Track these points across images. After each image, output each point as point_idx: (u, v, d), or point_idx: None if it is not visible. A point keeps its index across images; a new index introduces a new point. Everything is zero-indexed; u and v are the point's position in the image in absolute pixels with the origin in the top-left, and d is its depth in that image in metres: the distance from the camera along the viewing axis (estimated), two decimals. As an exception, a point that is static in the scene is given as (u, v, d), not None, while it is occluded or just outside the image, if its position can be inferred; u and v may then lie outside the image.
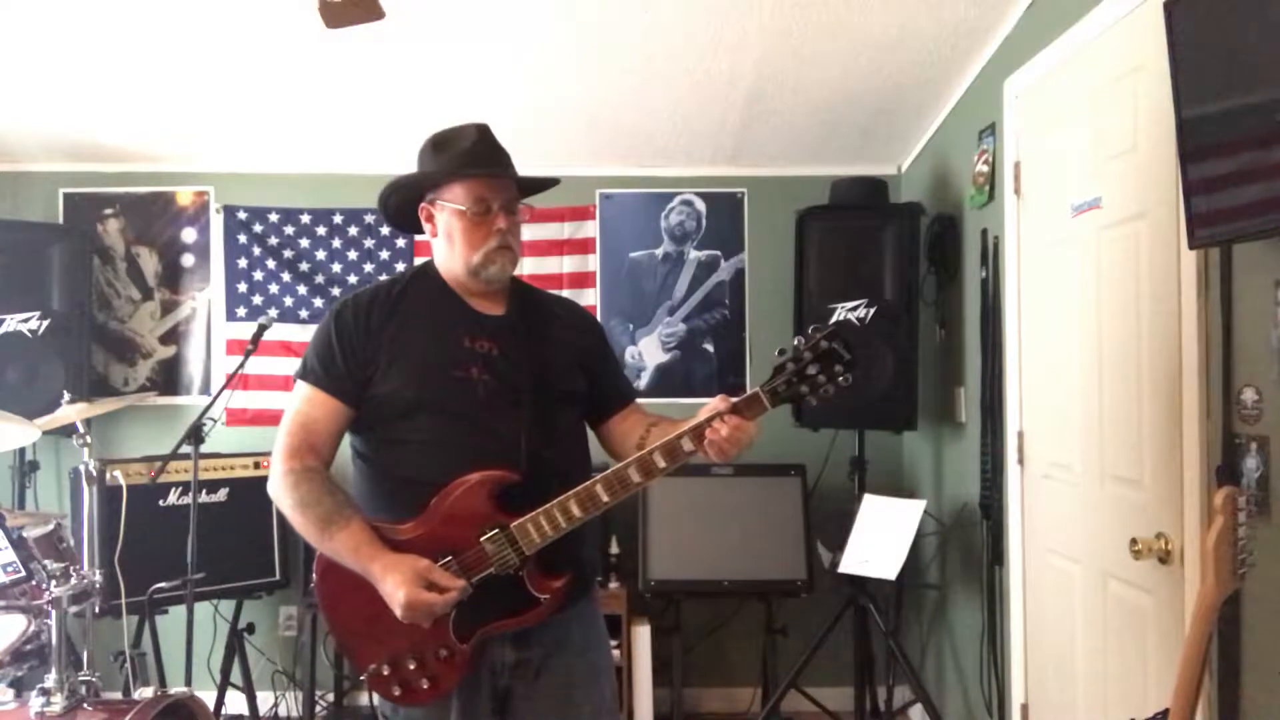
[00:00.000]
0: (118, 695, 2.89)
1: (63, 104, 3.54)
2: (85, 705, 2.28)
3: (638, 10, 2.93)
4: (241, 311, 4.09)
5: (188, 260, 4.12)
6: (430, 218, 1.88)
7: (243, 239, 4.09)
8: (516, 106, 3.48)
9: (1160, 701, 1.69)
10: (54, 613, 2.36)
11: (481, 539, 1.71)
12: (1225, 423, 1.90)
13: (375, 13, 2.41)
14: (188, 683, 3.07)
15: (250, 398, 3.97)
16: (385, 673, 1.76)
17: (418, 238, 4.05)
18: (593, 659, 1.89)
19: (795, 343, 1.69)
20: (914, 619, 3.91)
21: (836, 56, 3.17)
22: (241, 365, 3.32)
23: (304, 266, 4.10)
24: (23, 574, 2.49)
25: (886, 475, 3.92)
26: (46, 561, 2.62)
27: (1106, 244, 2.36)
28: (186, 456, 3.19)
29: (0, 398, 3.33)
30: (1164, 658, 2.09)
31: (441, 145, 1.86)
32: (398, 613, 1.66)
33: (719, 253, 4.15)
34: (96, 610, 2.63)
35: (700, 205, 4.15)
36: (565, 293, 3.66)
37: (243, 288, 4.10)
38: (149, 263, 4.11)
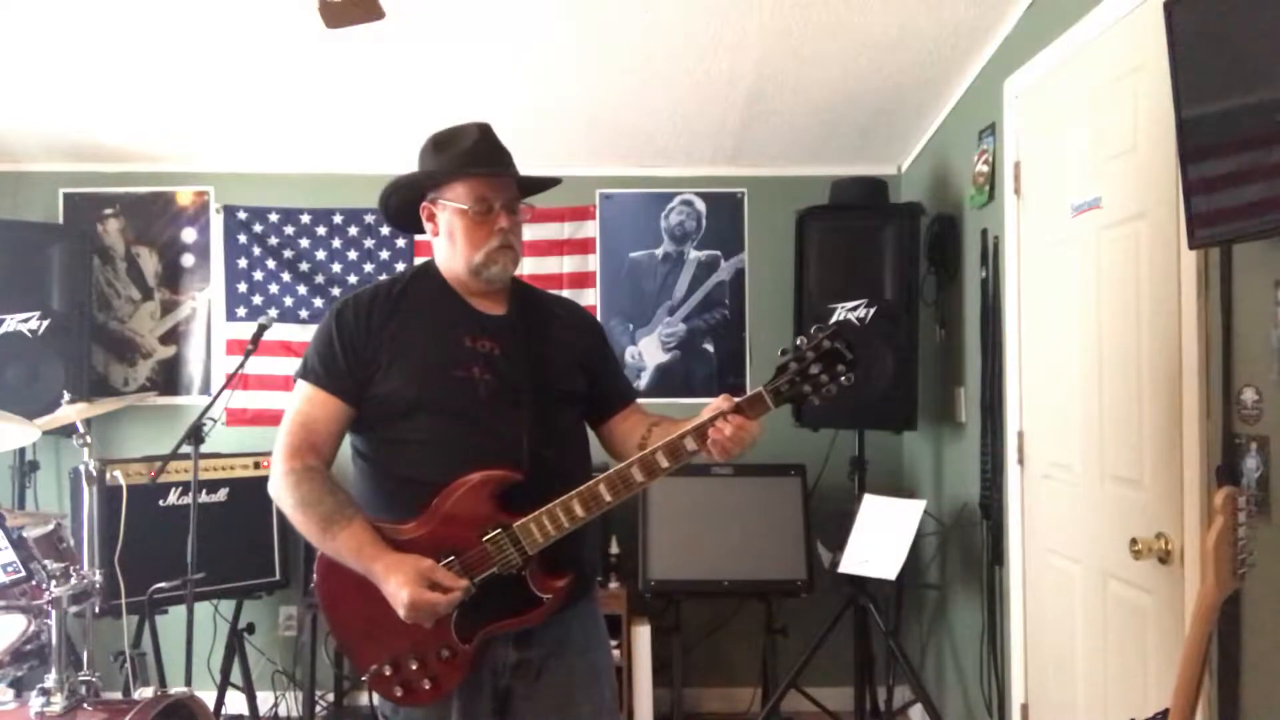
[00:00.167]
0: (118, 695, 2.89)
1: (63, 104, 3.54)
2: (85, 705, 2.28)
3: (638, 10, 2.93)
4: (241, 311, 4.09)
5: (188, 260, 4.12)
6: (431, 217, 1.88)
7: (243, 239, 4.09)
8: (516, 106, 3.48)
9: (1160, 701, 1.69)
10: (54, 613, 2.37)
11: (484, 539, 1.71)
12: (1225, 423, 1.90)
13: (375, 13, 2.41)
14: (188, 683, 3.07)
15: (250, 398, 3.97)
16: (387, 673, 1.75)
17: (418, 238, 4.04)
18: (593, 659, 1.89)
19: (798, 342, 1.69)
20: (914, 619, 3.91)
21: (836, 56, 3.17)
22: (241, 365, 3.32)
23: (304, 266, 4.10)
24: (23, 574, 2.49)
25: (886, 475, 3.92)
26: (46, 561, 2.62)
27: (1106, 244, 2.36)
28: (186, 456, 3.19)
29: (0, 398, 3.33)
30: (1164, 658, 2.09)
31: (443, 144, 1.85)
32: (401, 613, 1.65)
33: (719, 253, 4.15)
34: (96, 610, 2.63)
35: (700, 205, 4.15)
36: (565, 293, 3.66)
37: (243, 288, 4.10)
38: (149, 263, 4.11)
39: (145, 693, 2.37)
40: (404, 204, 1.90)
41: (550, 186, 1.96)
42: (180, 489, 3.48)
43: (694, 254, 4.15)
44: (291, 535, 3.71)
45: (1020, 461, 2.86)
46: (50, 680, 2.28)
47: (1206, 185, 1.75)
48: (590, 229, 4.15)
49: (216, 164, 4.06)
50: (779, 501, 3.68)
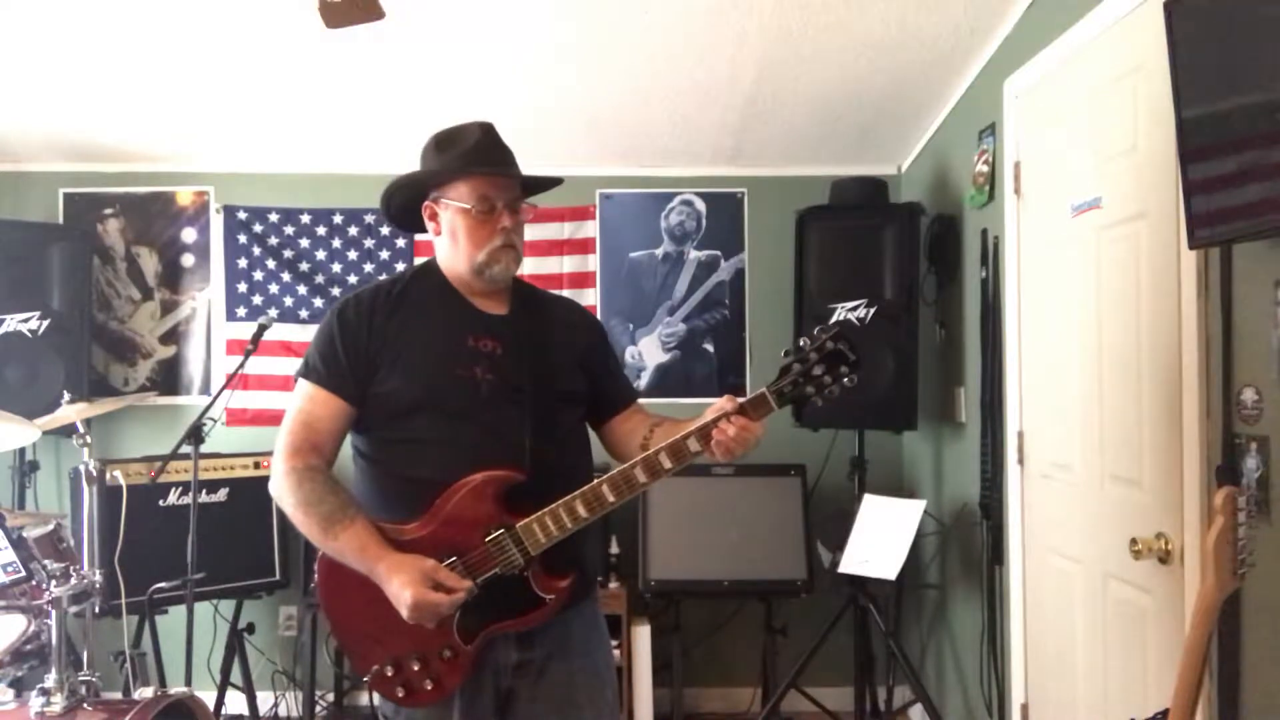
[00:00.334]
0: (118, 695, 2.89)
1: (63, 104, 3.54)
2: (85, 705, 2.29)
3: (638, 10, 2.93)
4: (241, 311, 4.09)
5: (188, 260, 4.12)
6: (434, 216, 1.87)
7: (243, 239, 4.09)
8: (517, 106, 3.48)
9: (1160, 701, 1.69)
10: (54, 613, 2.37)
11: (486, 539, 1.71)
12: (1225, 423, 1.90)
13: (375, 13, 2.41)
14: (188, 683, 3.06)
15: (250, 398, 3.97)
16: (389, 674, 1.75)
17: (418, 237, 4.05)
18: (595, 660, 1.89)
19: (800, 343, 1.69)
20: (914, 619, 3.91)
21: (836, 56, 3.17)
22: (241, 365, 3.32)
23: (304, 266, 4.10)
24: (23, 574, 2.49)
25: (886, 475, 3.92)
26: (46, 561, 2.62)
27: (1106, 244, 2.36)
28: (186, 456, 3.18)
29: (0, 398, 3.33)
30: (1164, 658, 2.09)
31: (445, 143, 1.85)
32: (404, 614, 1.65)
33: (719, 253, 4.15)
34: (96, 610, 2.63)
35: (700, 205, 4.15)
36: (565, 293, 3.65)
37: (243, 288, 4.10)
38: (149, 263, 4.11)
39: (145, 693, 2.38)
40: (406, 203, 1.90)
41: (553, 186, 1.96)
42: (180, 489, 3.48)
43: (694, 254, 4.15)
44: (291, 535, 3.71)
45: (1020, 461, 2.86)
46: (50, 680, 2.28)
47: (1206, 185, 1.75)
48: (590, 229, 4.15)
49: (216, 164, 4.06)
50: (779, 501, 3.68)
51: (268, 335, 3.39)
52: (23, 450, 3.80)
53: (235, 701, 3.58)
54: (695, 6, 2.90)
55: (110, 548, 3.13)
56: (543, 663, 1.82)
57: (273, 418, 3.96)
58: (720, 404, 1.69)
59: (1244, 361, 1.86)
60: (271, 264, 4.09)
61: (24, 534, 2.73)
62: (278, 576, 3.71)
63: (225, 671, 3.54)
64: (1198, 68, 1.75)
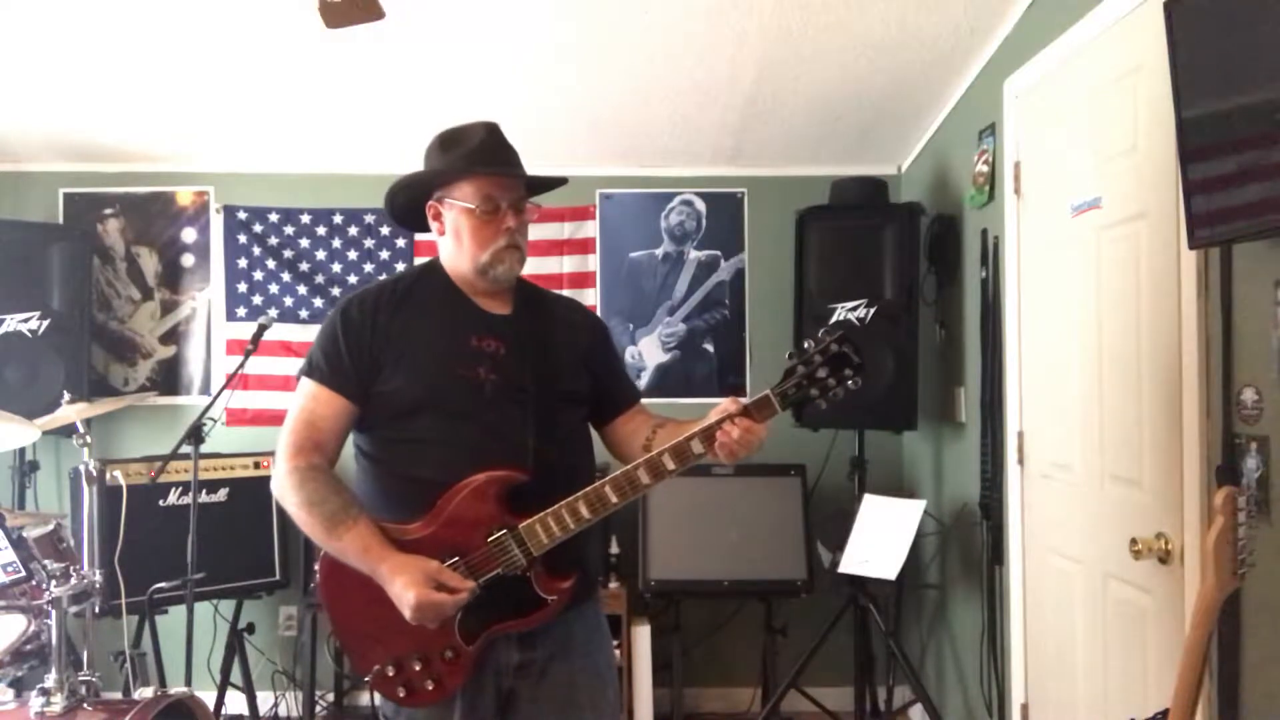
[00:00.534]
0: (118, 695, 2.89)
1: (63, 104, 3.54)
2: (85, 705, 2.29)
3: (638, 10, 2.93)
4: (241, 311, 4.09)
5: (188, 260, 4.12)
6: (438, 216, 1.87)
7: (243, 239, 4.09)
8: (517, 106, 3.48)
9: (1160, 701, 1.69)
10: (54, 613, 2.37)
11: (489, 540, 1.70)
12: (1225, 423, 1.90)
13: (375, 13, 2.41)
14: (188, 683, 3.06)
15: (250, 398, 3.97)
16: (390, 674, 1.75)
17: (419, 237, 4.06)
18: (596, 661, 1.89)
19: (805, 345, 1.69)
20: (914, 619, 3.91)
21: (836, 56, 3.17)
22: (241, 365, 3.32)
23: (304, 266, 4.10)
24: (23, 574, 2.49)
25: (886, 475, 3.92)
26: (46, 561, 2.62)
27: (1106, 244, 2.36)
28: (186, 456, 3.18)
29: (0, 398, 3.33)
30: (1164, 658, 2.09)
31: (450, 143, 1.84)
32: (406, 614, 1.65)
33: (719, 253, 4.15)
34: (96, 610, 2.63)
35: (700, 205, 4.15)
36: (566, 292, 3.65)
37: (243, 288, 4.10)
38: (149, 263, 4.11)
39: (145, 693, 2.38)
40: (410, 202, 1.89)
41: (557, 186, 1.96)
42: (180, 489, 3.49)
43: (694, 254, 4.15)
44: (291, 535, 3.71)
45: (1020, 461, 2.86)
46: (50, 680, 2.28)
47: (1206, 185, 1.75)
48: (590, 229, 4.15)
49: (216, 164, 4.06)
50: (779, 501, 3.68)
51: (268, 335, 3.39)
52: (23, 450, 3.80)
53: (235, 701, 3.58)
54: (695, 6, 2.90)
55: (110, 548, 3.14)
56: (544, 663, 1.82)
57: (273, 418, 3.96)
58: (724, 405, 1.69)
59: (1244, 361, 1.87)
60: (271, 264, 4.09)
61: (24, 534, 2.73)
62: (278, 576, 3.71)
63: (225, 671, 3.54)
64: (1198, 68, 1.75)
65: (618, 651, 3.34)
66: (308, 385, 1.81)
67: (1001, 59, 3.02)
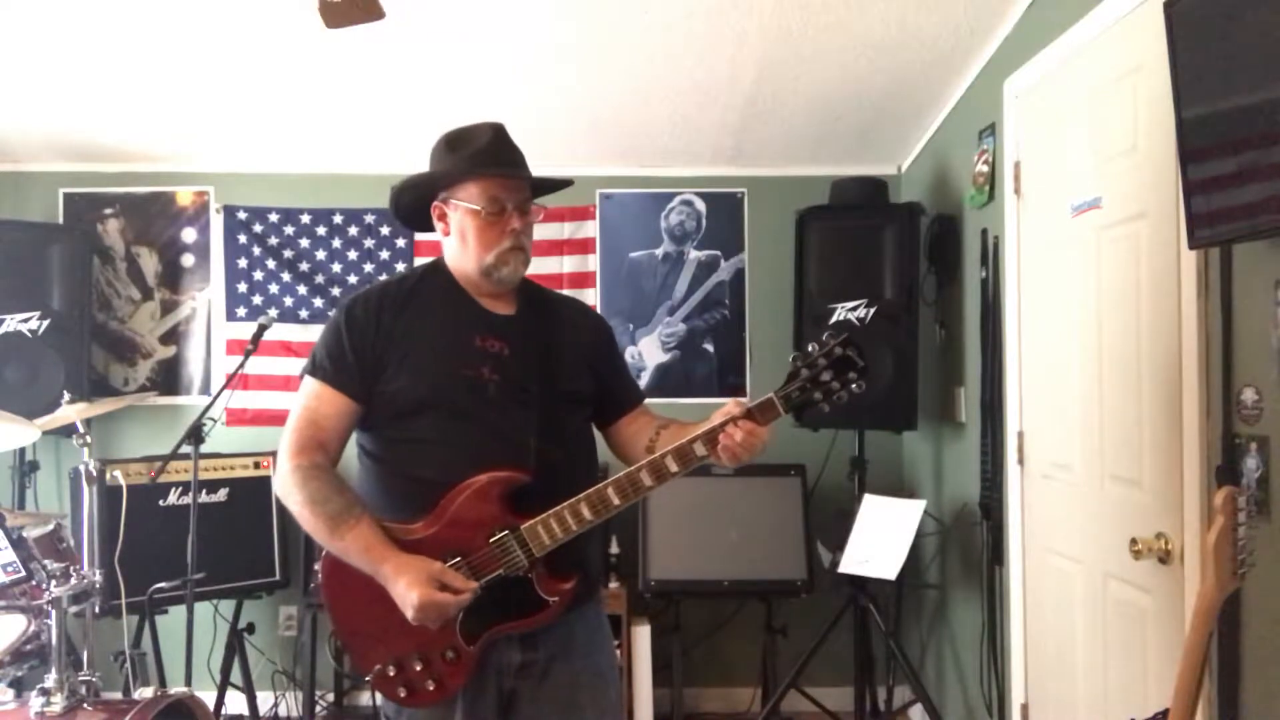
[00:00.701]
0: (118, 695, 2.89)
1: (63, 104, 3.54)
2: (85, 705, 2.29)
3: (638, 10, 2.93)
4: (241, 311, 4.09)
5: (188, 260, 4.12)
6: (443, 216, 1.87)
7: (243, 239, 4.09)
8: (517, 106, 3.48)
9: (1160, 701, 1.69)
10: (54, 613, 2.37)
11: (491, 540, 1.70)
12: (1225, 423, 1.90)
13: (375, 13, 2.41)
14: (188, 683, 3.06)
15: (250, 398, 3.97)
16: (391, 673, 1.75)
17: (419, 237, 4.06)
18: (597, 661, 1.89)
19: (809, 348, 1.68)
20: (914, 619, 3.91)
21: (836, 56, 3.17)
22: (241, 365, 3.32)
23: (304, 266, 4.10)
24: (23, 574, 2.49)
25: (886, 475, 3.92)
26: (46, 561, 2.63)
27: (1106, 244, 2.36)
28: (186, 456, 3.18)
29: (0, 398, 3.33)
30: (1164, 658, 2.09)
31: (455, 144, 1.84)
32: (409, 614, 1.65)
33: (719, 253, 4.15)
34: (96, 610, 2.63)
35: (700, 205, 4.15)
36: (566, 293, 3.66)
37: (243, 288, 4.10)
38: (149, 263, 4.11)
39: (145, 693, 2.38)
40: (415, 203, 1.89)
41: (563, 187, 1.96)
42: (180, 489, 3.49)
43: (694, 254, 4.15)
44: (291, 535, 3.71)
45: (1020, 461, 2.86)
46: (50, 680, 2.28)
47: (1206, 185, 1.75)
48: (590, 229, 4.15)
49: (216, 164, 4.06)
50: (779, 501, 3.68)
51: (268, 335, 3.39)
52: (23, 450, 3.80)
53: (235, 701, 3.58)
54: (695, 6, 2.90)
55: (110, 548, 3.14)
56: (546, 664, 1.81)
57: (273, 418, 3.97)
58: (727, 408, 1.69)
59: (1244, 361, 1.86)
60: (271, 264, 4.09)
61: (24, 534, 2.73)
62: (278, 576, 3.71)
63: (225, 671, 3.54)
64: (1198, 68, 1.75)
65: (618, 651, 3.34)
66: (311, 384, 1.81)
67: (1001, 59, 3.02)
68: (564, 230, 4.12)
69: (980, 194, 3.12)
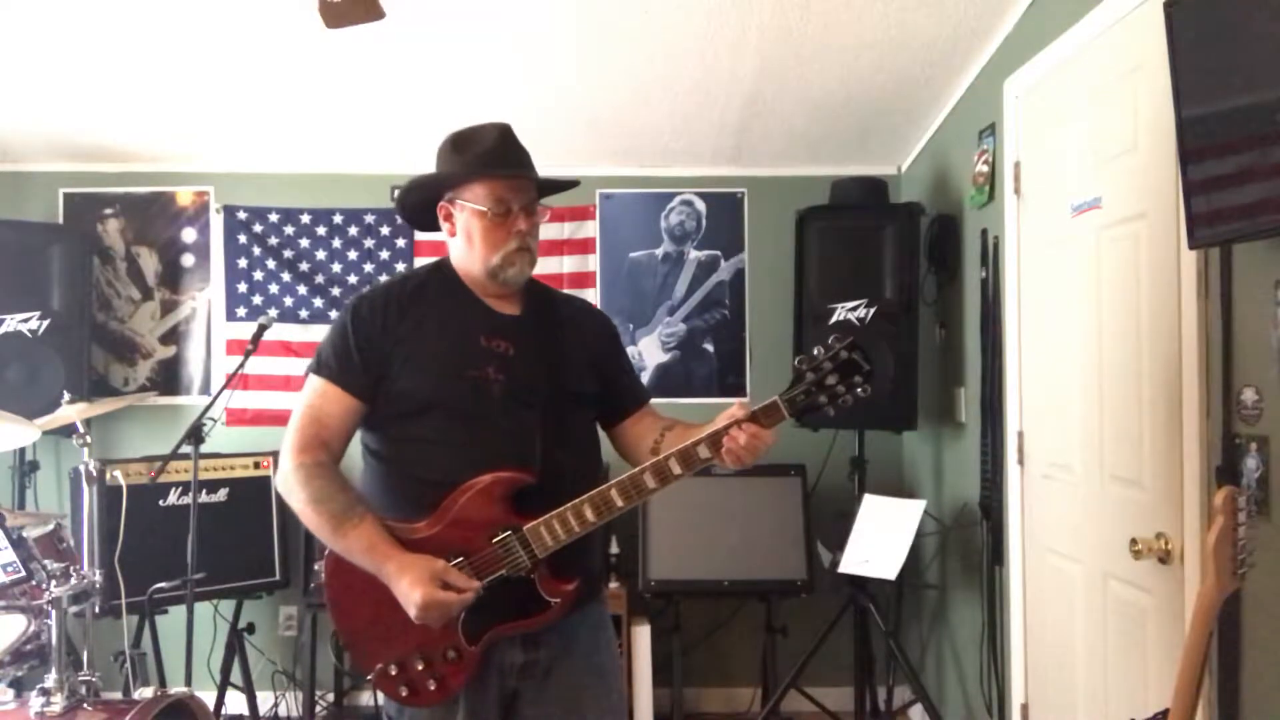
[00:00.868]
0: (118, 695, 2.89)
1: (63, 104, 3.54)
2: (85, 705, 2.29)
3: (637, 10, 2.93)
4: (241, 311, 4.09)
5: (188, 260, 4.12)
6: (449, 216, 1.87)
7: (243, 239, 4.09)
8: (516, 106, 3.48)
9: (1160, 701, 1.69)
10: (54, 613, 2.37)
11: (494, 541, 1.70)
12: (1225, 423, 1.90)
13: (375, 13, 2.41)
14: (188, 683, 3.07)
15: (250, 398, 3.97)
16: (392, 673, 1.75)
17: (419, 237, 4.06)
18: (600, 662, 1.89)
19: (814, 351, 1.68)
20: (914, 619, 3.91)
21: (836, 56, 3.17)
22: (241, 365, 3.32)
23: (304, 266, 4.10)
24: (23, 574, 2.49)
25: (886, 475, 3.92)
26: (46, 561, 2.63)
27: (1106, 244, 2.36)
28: (186, 456, 3.18)
29: (0, 398, 3.33)
30: (1164, 658, 2.09)
31: (462, 144, 1.84)
32: (412, 613, 1.65)
33: (719, 253, 4.15)
34: (96, 610, 2.63)
35: (700, 205, 4.15)
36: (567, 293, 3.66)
37: (243, 288, 4.10)
38: (149, 263, 4.11)
39: (145, 693, 2.38)
40: (422, 203, 1.89)
41: (569, 188, 1.96)
42: (180, 489, 3.49)
43: (694, 254, 4.15)
44: (292, 535, 3.72)
45: (1020, 461, 2.86)
46: (50, 680, 2.28)
47: (1206, 185, 1.75)
48: (590, 229, 4.15)
49: (216, 164, 4.06)
50: (779, 501, 3.68)
51: (268, 335, 3.39)
52: (23, 450, 3.80)
53: (235, 701, 3.58)
54: (695, 6, 2.90)
55: (110, 548, 3.14)
56: (548, 664, 1.81)
57: (273, 418, 3.97)
58: (731, 411, 1.69)
59: (1244, 361, 1.87)
60: (271, 264, 4.09)
61: (24, 534, 2.73)
62: (278, 576, 3.71)
63: (225, 671, 3.54)
64: (1198, 68, 1.75)
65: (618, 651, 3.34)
66: (316, 382, 1.81)
67: (1001, 59, 3.02)
68: (564, 230, 4.12)
69: (980, 194, 3.12)
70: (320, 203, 4.10)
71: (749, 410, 1.68)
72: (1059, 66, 2.60)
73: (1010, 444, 2.91)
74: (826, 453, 3.75)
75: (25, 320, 3.65)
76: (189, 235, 4.11)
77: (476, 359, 1.78)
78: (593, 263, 4.15)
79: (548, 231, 4.05)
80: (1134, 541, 2.10)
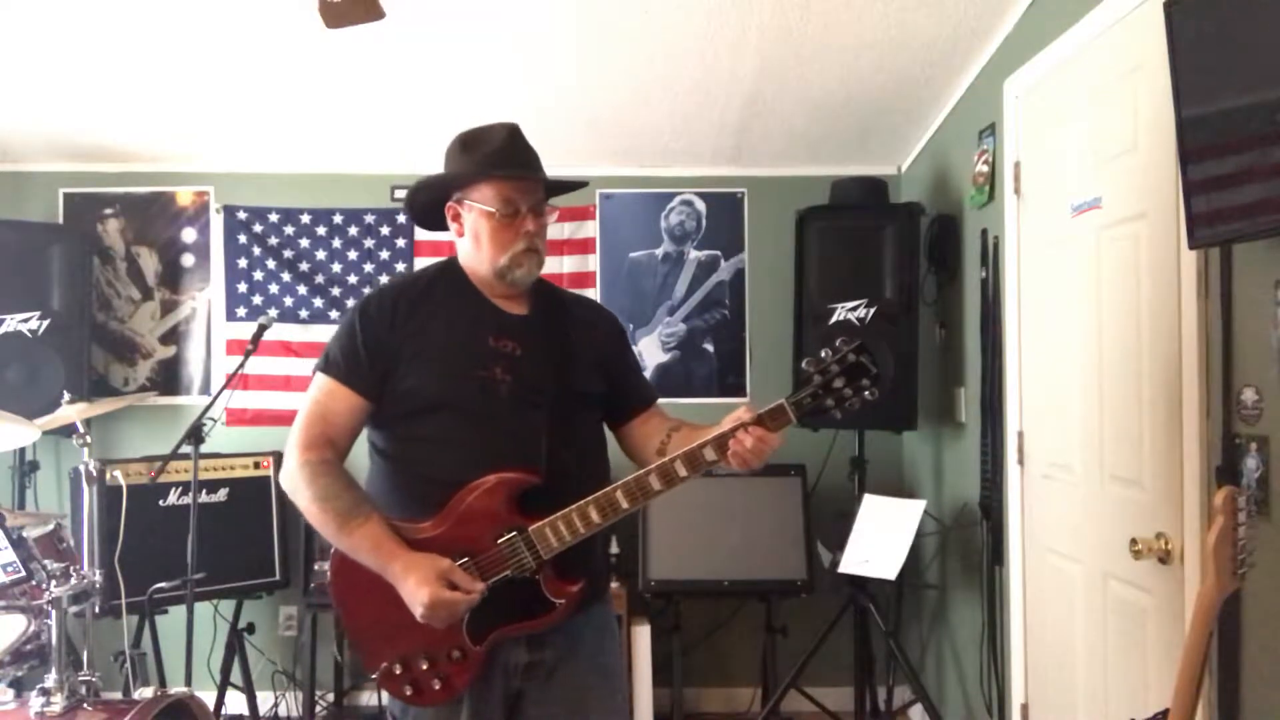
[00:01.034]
0: (118, 695, 2.89)
1: (63, 104, 3.54)
2: (85, 705, 2.29)
3: (637, 10, 2.93)
4: (241, 311, 4.09)
5: (188, 260, 4.12)
6: (457, 217, 1.86)
7: (243, 239, 4.09)
8: (516, 106, 3.47)
9: (1160, 701, 1.69)
10: (54, 613, 2.37)
11: (499, 541, 1.70)
12: (1225, 423, 1.90)
13: (375, 13, 2.41)
14: (188, 683, 3.06)
15: (250, 398, 3.97)
16: (397, 672, 1.75)
17: (418, 238, 4.06)
18: (605, 662, 1.89)
19: (822, 354, 1.68)
20: (914, 619, 3.91)
21: (836, 56, 3.17)
22: (241, 365, 3.32)
23: (304, 266, 4.10)
24: (23, 574, 2.49)
25: (886, 475, 3.92)
26: (46, 561, 2.63)
27: (1106, 244, 2.36)
28: (186, 456, 3.18)
29: (0, 398, 3.33)
30: (1164, 658, 2.09)
31: (470, 144, 1.84)
32: (418, 612, 1.65)
33: (719, 253, 4.15)
34: (96, 610, 2.63)
35: (700, 205, 4.15)
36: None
37: (243, 288, 4.10)
38: (149, 263, 4.11)
39: (145, 693, 2.38)
40: (430, 203, 1.89)
41: (577, 188, 1.97)
42: (180, 489, 3.49)
43: (694, 254, 4.15)
44: (291, 535, 3.72)
45: (1020, 461, 2.86)
46: (50, 680, 2.28)
47: (1206, 185, 1.75)
48: (590, 229, 4.15)
49: (216, 164, 4.06)
50: (779, 501, 3.68)
51: (268, 335, 3.39)
52: (23, 450, 3.80)
53: (235, 701, 3.58)
54: (695, 6, 2.90)
55: (110, 548, 3.14)
56: (553, 665, 1.81)
57: (273, 418, 3.97)
58: (738, 414, 1.68)
59: (1244, 361, 1.86)
60: (271, 264, 4.09)
61: (24, 534, 2.73)
62: (278, 576, 3.71)
63: (225, 671, 3.54)
64: (1198, 68, 1.75)
65: (618, 651, 3.34)
66: (323, 380, 1.81)
67: (1001, 59, 3.02)
68: (564, 230, 4.12)
69: (980, 194, 3.12)
70: (320, 203, 4.10)
71: (755, 413, 1.67)
72: (1059, 66, 2.60)
73: (1010, 444, 2.91)
74: (826, 453, 3.75)
75: (25, 320, 3.65)
76: (189, 235, 4.11)
77: (484, 359, 1.78)
78: (593, 263, 4.15)
79: (548, 232, 4.05)
80: (1134, 541, 2.10)
